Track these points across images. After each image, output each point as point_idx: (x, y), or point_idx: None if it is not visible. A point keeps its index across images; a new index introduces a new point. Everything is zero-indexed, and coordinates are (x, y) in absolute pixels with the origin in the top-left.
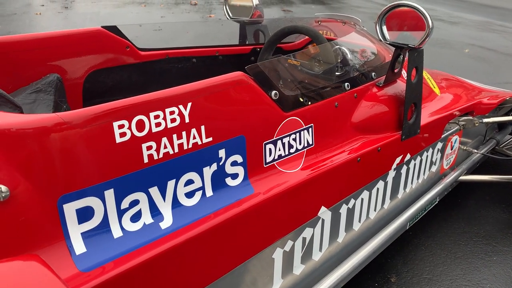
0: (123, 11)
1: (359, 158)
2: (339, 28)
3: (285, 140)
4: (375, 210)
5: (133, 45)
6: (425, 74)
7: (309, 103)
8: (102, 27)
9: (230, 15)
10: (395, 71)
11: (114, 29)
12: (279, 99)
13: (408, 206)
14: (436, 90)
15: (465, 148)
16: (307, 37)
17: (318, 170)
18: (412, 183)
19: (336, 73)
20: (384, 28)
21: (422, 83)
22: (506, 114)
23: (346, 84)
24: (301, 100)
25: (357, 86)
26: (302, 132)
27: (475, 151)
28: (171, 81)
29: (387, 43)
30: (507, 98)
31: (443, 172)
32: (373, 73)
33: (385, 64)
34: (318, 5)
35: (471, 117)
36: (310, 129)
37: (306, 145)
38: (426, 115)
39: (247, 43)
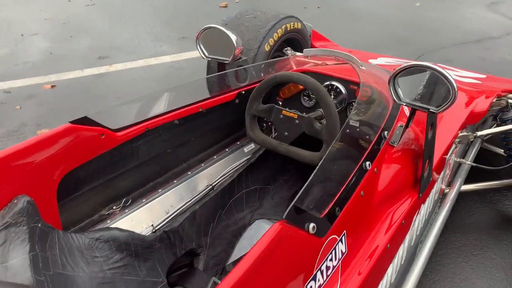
0: None
1: (389, 245)
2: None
3: (323, 266)
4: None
5: (108, 130)
6: None
7: (340, 210)
8: (71, 122)
9: (206, 53)
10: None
11: (84, 120)
12: (317, 227)
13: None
14: None
15: (457, 159)
16: None
17: (356, 282)
18: (423, 221)
19: (348, 145)
20: (399, 89)
21: (435, 136)
22: (494, 118)
23: (367, 163)
24: (332, 211)
25: (375, 158)
26: (337, 247)
27: (468, 162)
28: (152, 153)
29: (403, 105)
30: (494, 100)
31: (442, 192)
32: (385, 132)
33: (392, 112)
34: None
35: (465, 133)
36: (343, 238)
37: (340, 256)
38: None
39: (228, 84)
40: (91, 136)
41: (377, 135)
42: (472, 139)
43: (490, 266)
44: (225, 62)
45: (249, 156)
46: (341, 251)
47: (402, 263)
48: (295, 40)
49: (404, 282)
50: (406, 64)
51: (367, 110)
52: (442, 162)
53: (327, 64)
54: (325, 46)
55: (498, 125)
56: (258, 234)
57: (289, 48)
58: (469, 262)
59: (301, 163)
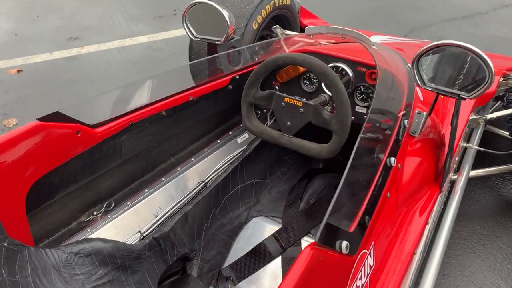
0: None
1: (416, 251)
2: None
3: (353, 286)
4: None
5: (85, 126)
6: None
7: (369, 219)
8: (39, 119)
9: (194, 33)
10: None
11: (56, 116)
12: (349, 245)
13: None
14: None
15: (464, 144)
16: None
17: None
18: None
19: (372, 140)
20: (423, 72)
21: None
22: (496, 99)
23: (391, 159)
24: (363, 221)
25: (398, 151)
26: (366, 262)
27: (475, 147)
28: (136, 149)
29: (428, 90)
30: (501, 80)
31: (450, 180)
32: (405, 121)
33: (409, 98)
34: None
35: (475, 117)
36: (371, 251)
37: (368, 271)
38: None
39: (221, 68)
40: (65, 134)
41: (397, 125)
42: (481, 123)
43: (501, 257)
44: (216, 43)
45: (243, 148)
46: (370, 265)
47: (419, 262)
48: (284, 17)
49: (421, 282)
50: (433, 44)
51: (386, 97)
52: (456, 150)
53: (320, 44)
54: (314, 23)
55: (504, 107)
56: (256, 233)
57: (278, 26)
58: (478, 253)
59: (298, 152)
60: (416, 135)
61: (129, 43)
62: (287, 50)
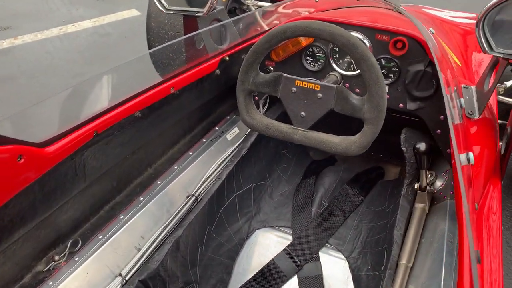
0: None
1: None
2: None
3: None
4: None
5: (28, 146)
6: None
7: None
8: None
9: (166, 5)
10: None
11: None
12: None
13: None
14: (456, 59)
15: None
16: None
17: None
18: None
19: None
20: (488, 34)
21: None
22: None
23: (469, 154)
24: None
25: (466, 141)
26: None
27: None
28: (105, 166)
29: (500, 57)
30: None
31: None
32: (461, 99)
33: (451, 71)
34: None
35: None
36: None
37: None
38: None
39: (201, 46)
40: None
41: (457, 107)
42: (502, 92)
43: None
44: (197, 14)
45: (235, 146)
46: None
47: None
48: None
49: None
50: None
51: (445, 71)
52: None
53: (301, 14)
54: None
55: None
56: (261, 249)
57: None
58: (505, 238)
59: (295, 144)
60: (476, 117)
61: (72, 29)
62: (265, 26)
